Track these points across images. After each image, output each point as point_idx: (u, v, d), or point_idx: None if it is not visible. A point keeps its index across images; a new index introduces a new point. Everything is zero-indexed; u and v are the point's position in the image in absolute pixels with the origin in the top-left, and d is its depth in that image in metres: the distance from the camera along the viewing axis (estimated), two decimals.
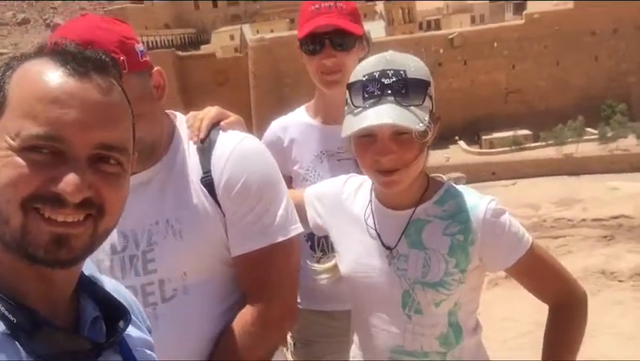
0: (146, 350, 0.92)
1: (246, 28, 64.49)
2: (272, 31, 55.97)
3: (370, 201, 1.53)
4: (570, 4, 53.56)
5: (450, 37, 52.59)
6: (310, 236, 1.96)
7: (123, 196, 0.82)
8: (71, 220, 0.75)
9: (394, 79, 1.32)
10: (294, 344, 2.15)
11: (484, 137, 50.22)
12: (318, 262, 1.81)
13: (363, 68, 1.37)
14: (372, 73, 1.34)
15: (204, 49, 66.33)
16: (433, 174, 1.51)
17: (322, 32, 1.90)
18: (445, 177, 1.54)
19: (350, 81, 1.39)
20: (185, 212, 1.36)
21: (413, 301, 1.43)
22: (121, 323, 0.84)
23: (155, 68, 1.40)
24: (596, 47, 52.50)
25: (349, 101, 1.38)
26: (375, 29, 49.41)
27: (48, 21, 79.02)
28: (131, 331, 0.88)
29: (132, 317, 0.88)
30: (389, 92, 1.32)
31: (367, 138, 1.35)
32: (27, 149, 0.73)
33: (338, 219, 1.58)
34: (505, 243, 1.43)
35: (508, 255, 1.44)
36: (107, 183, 0.78)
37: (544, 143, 45.71)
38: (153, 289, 1.36)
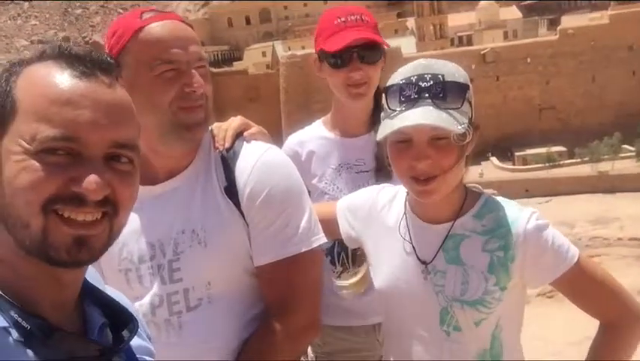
0: (146, 357, 0.94)
1: (278, 45, 65.26)
2: (303, 47, 56.45)
3: (405, 213, 1.48)
4: (606, 19, 52.63)
5: (482, 52, 52.17)
6: (330, 250, 1.96)
7: (135, 193, 0.85)
8: (90, 219, 0.78)
9: (432, 82, 1.30)
10: (316, 358, 2.15)
11: (516, 153, 49.41)
12: (339, 276, 1.81)
13: (400, 73, 1.36)
14: (410, 77, 1.32)
15: (237, 65, 67.28)
16: (469, 184, 1.46)
17: (352, 46, 1.91)
18: (481, 188, 1.48)
19: (387, 85, 1.37)
20: (210, 221, 1.38)
21: (452, 319, 1.38)
22: (125, 331, 0.85)
23: None
24: (633, 62, 51.27)
25: (386, 105, 1.35)
26: (406, 45, 49.34)
27: (87, 39, 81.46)
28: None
29: (139, 324, 0.89)
30: (426, 95, 1.29)
31: (403, 144, 1.33)
32: (43, 151, 0.75)
33: (373, 231, 1.55)
34: (548, 258, 1.37)
35: (550, 270, 1.38)
36: (121, 180, 0.80)
37: (579, 160, 44.66)
38: (178, 298, 1.38)
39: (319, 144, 2.06)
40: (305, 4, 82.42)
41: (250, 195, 1.38)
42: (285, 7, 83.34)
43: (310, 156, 2.05)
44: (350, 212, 1.61)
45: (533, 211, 1.40)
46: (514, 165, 48.57)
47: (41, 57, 0.81)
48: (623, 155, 43.80)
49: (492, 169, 45.37)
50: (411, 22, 66.62)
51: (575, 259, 1.38)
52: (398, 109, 1.31)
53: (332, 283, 1.94)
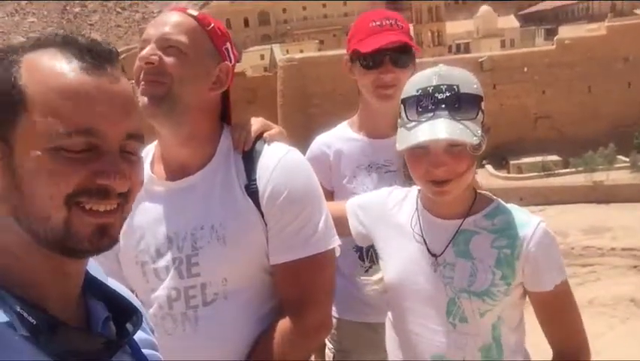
0: (150, 350, 0.94)
1: (276, 48, 65.33)
2: (301, 51, 56.54)
3: (417, 209, 1.56)
4: (603, 30, 52.96)
5: (479, 60, 52.37)
6: (359, 247, 2.01)
7: (142, 181, 0.86)
8: (110, 208, 0.80)
9: (448, 94, 1.36)
10: (334, 357, 2.17)
11: (511, 161, 49.58)
12: (366, 272, 1.89)
13: (415, 83, 1.42)
14: (426, 88, 1.38)
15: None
16: (481, 191, 1.54)
17: (385, 49, 1.97)
18: (492, 195, 1.56)
19: (403, 96, 1.44)
20: (230, 219, 1.40)
21: (458, 310, 1.44)
22: (128, 324, 0.85)
23: (226, 63, 1.52)
24: (628, 74, 51.57)
25: (403, 114, 1.42)
26: None
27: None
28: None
29: (142, 317, 0.89)
30: (443, 106, 1.36)
31: (420, 150, 1.40)
32: (63, 146, 0.75)
33: (383, 228, 1.62)
34: (547, 265, 1.44)
35: (547, 278, 1.44)
36: (133, 170, 0.82)
37: (573, 169, 44.80)
38: (195, 292, 1.41)
39: (348, 145, 2.11)
40: (304, 8, 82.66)
41: (271, 195, 1.41)
42: (284, 10, 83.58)
43: (338, 156, 2.10)
44: (361, 210, 1.69)
45: (541, 220, 1.47)
46: (508, 173, 48.72)
47: (42, 44, 0.80)
48: (617, 165, 44.01)
49: (487, 177, 45.46)
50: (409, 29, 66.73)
51: (565, 277, 1.46)
52: (416, 120, 1.38)
53: (356, 279, 1.99)
